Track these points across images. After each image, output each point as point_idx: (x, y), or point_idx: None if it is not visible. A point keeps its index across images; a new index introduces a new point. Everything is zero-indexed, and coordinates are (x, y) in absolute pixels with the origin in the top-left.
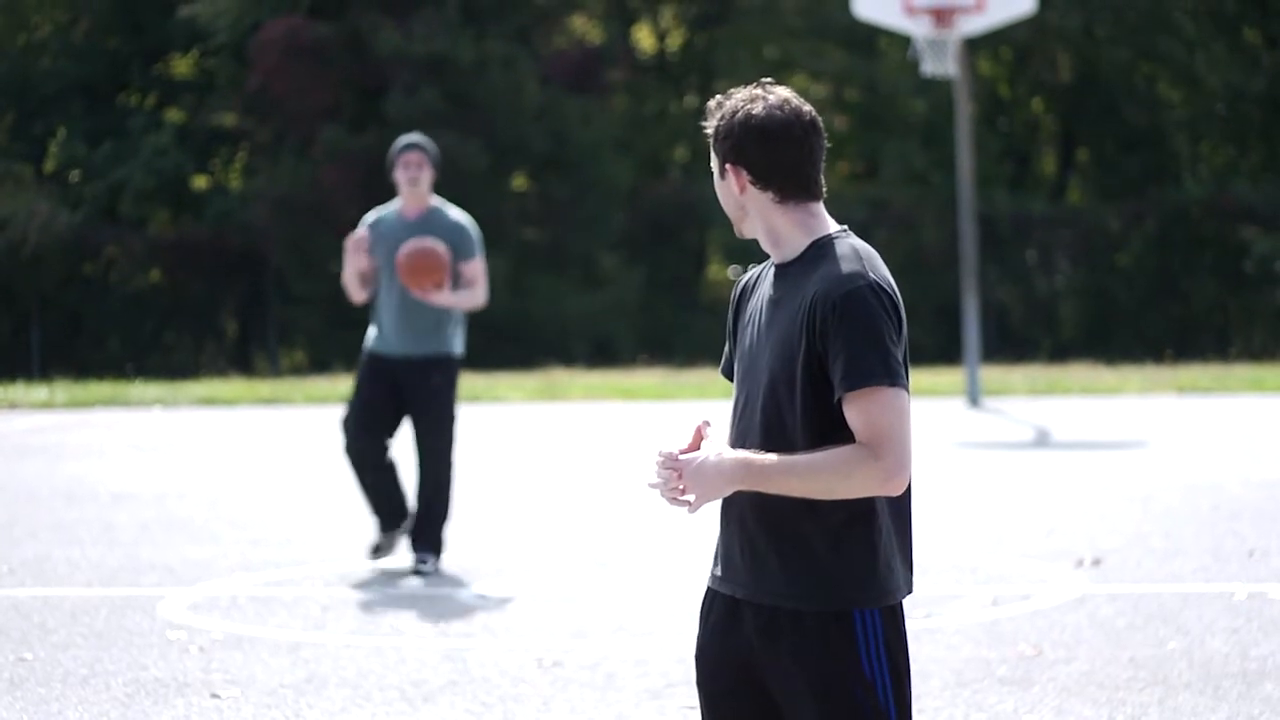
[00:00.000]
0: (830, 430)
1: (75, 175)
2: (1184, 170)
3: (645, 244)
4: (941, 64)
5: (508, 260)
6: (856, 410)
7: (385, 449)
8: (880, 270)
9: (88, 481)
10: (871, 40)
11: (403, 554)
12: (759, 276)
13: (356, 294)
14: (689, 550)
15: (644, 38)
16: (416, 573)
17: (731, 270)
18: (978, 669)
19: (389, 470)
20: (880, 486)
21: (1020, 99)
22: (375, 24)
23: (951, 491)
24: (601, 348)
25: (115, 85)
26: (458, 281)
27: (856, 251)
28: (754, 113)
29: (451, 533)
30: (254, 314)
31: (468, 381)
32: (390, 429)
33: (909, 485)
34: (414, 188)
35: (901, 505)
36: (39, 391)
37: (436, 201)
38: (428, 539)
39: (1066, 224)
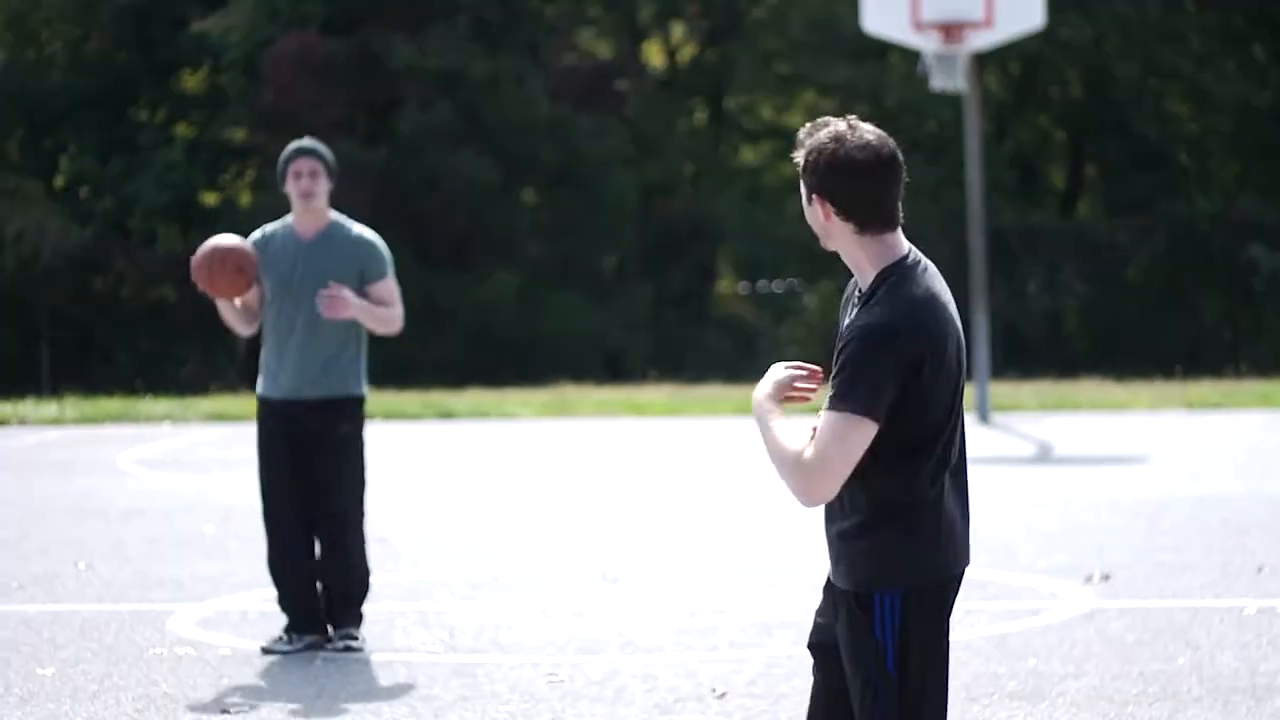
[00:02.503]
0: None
1: (85, 191)
2: (1193, 186)
3: (655, 259)
4: (951, 79)
5: (517, 275)
6: (819, 423)
7: (310, 531)
8: (913, 314)
9: (98, 497)
10: (881, 55)
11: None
12: (855, 290)
13: (240, 326)
14: (697, 565)
15: (654, 53)
16: (347, 649)
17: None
18: (987, 684)
19: (309, 560)
20: (793, 493)
21: (1029, 114)
22: (387, 40)
23: None
24: (611, 363)
25: (126, 101)
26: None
27: (899, 298)
28: (839, 153)
29: (462, 547)
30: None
31: (477, 396)
32: (305, 497)
33: (942, 482)
34: (308, 202)
35: (936, 499)
36: (49, 407)
37: (336, 217)
38: (353, 616)
39: (1075, 239)
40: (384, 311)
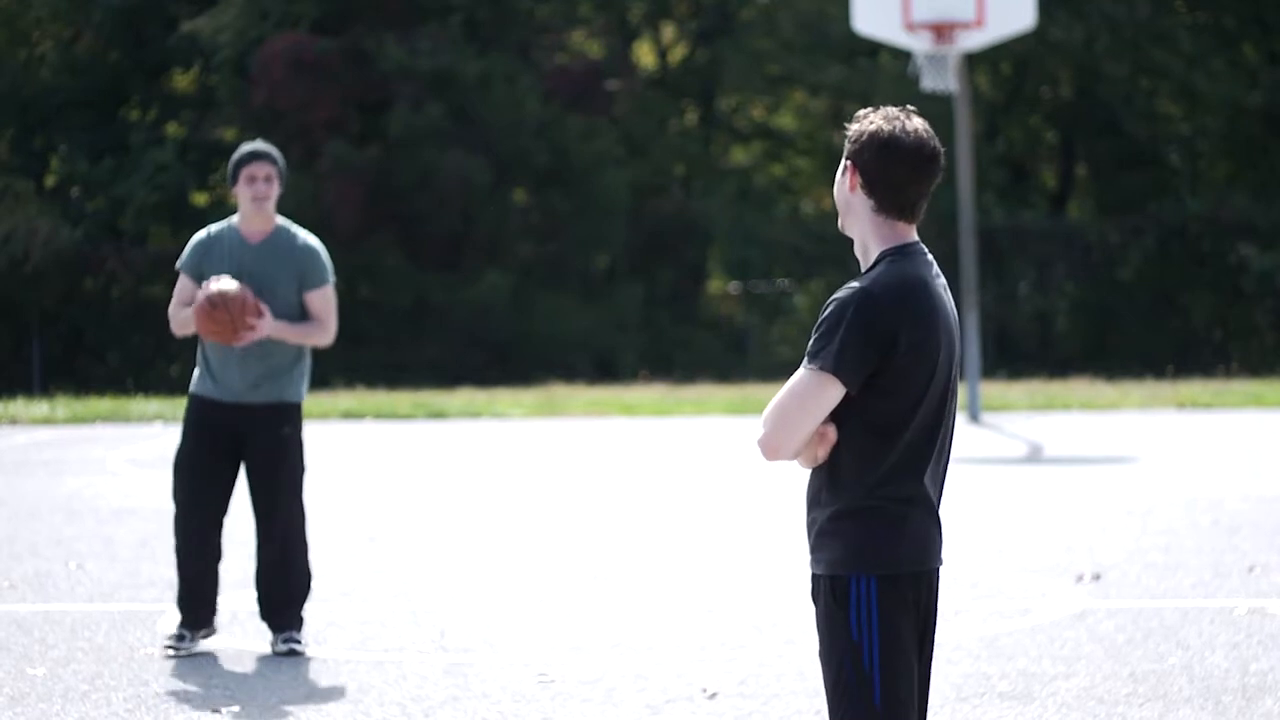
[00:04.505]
0: (846, 413)
1: (76, 191)
2: (1184, 186)
3: (645, 259)
4: (941, 79)
5: (508, 275)
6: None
7: (220, 527)
8: (897, 289)
9: (88, 497)
10: (872, 55)
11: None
12: None
13: (185, 327)
14: (688, 565)
15: (645, 54)
16: (290, 652)
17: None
18: (977, 684)
19: (216, 559)
20: (758, 444)
21: (1020, 114)
22: (379, 40)
23: (952, 507)
24: (602, 363)
25: (117, 101)
26: (305, 313)
27: (890, 273)
28: (884, 130)
29: (453, 547)
30: None
31: (468, 396)
32: (227, 496)
33: (921, 478)
34: (261, 206)
35: (913, 494)
36: (40, 407)
37: (282, 221)
38: (292, 618)
39: (1066, 239)
40: (304, 329)
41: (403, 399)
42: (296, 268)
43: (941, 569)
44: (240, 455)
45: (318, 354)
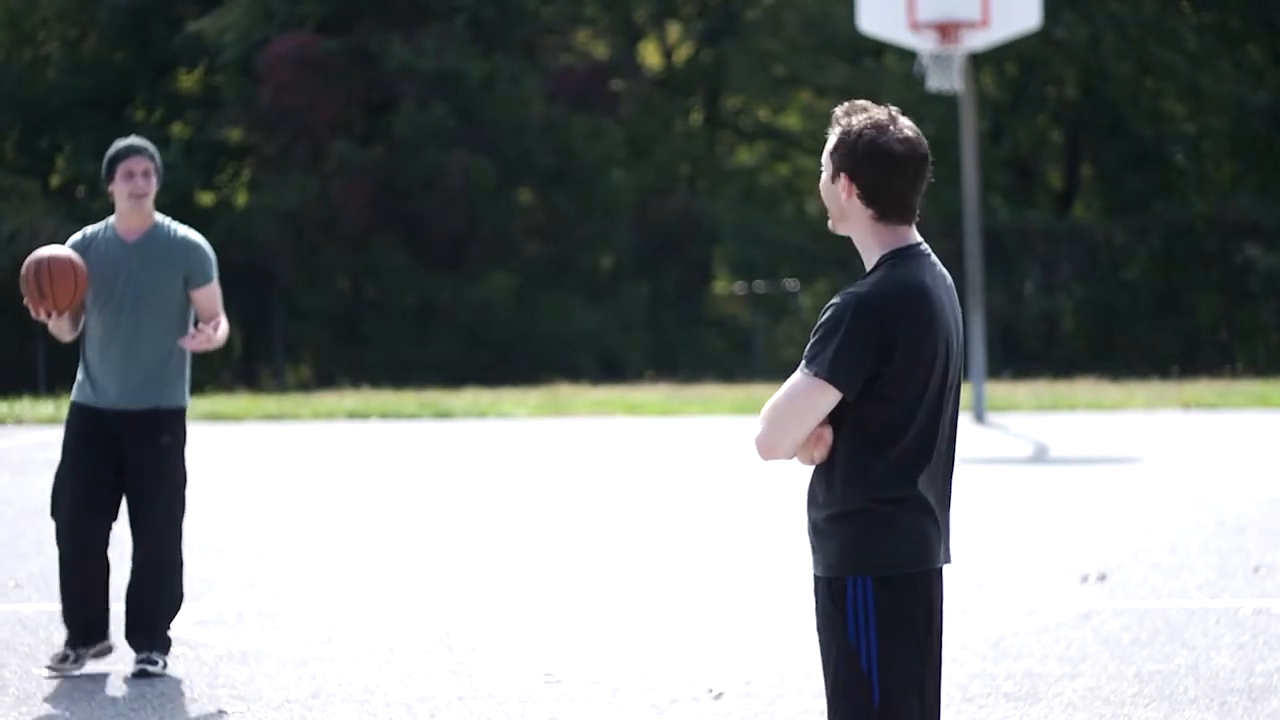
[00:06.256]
0: (842, 416)
1: (81, 190)
2: (1189, 186)
3: (651, 259)
4: (947, 79)
5: (513, 275)
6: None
7: (107, 538)
8: (896, 295)
9: None
10: (877, 56)
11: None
12: None
13: (65, 333)
14: (694, 565)
15: (650, 54)
16: (142, 674)
17: None
18: (983, 684)
19: (104, 570)
20: (754, 442)
21: (1026, 114)
22: (384, 39)
23: (957, 507)
24: (607, 363)
25: (122, 100)
26: (193, 312)
27: (889, 278)
28: (879, 141)
29: (458, 546)
30: (260, 329)
31: (473, 396)
32: (114, 507)
33: (921, 479)
34: (139, 203)
35: (911, 495)
36: (45, 406)
37: (160, 218)
38: (157, 636)
39: (1071, 239)
40: (222, 329)
41: (408, 399)
42: (181, 265)
43: (946, 568)
44: (121, 467)
45: (325, 353)
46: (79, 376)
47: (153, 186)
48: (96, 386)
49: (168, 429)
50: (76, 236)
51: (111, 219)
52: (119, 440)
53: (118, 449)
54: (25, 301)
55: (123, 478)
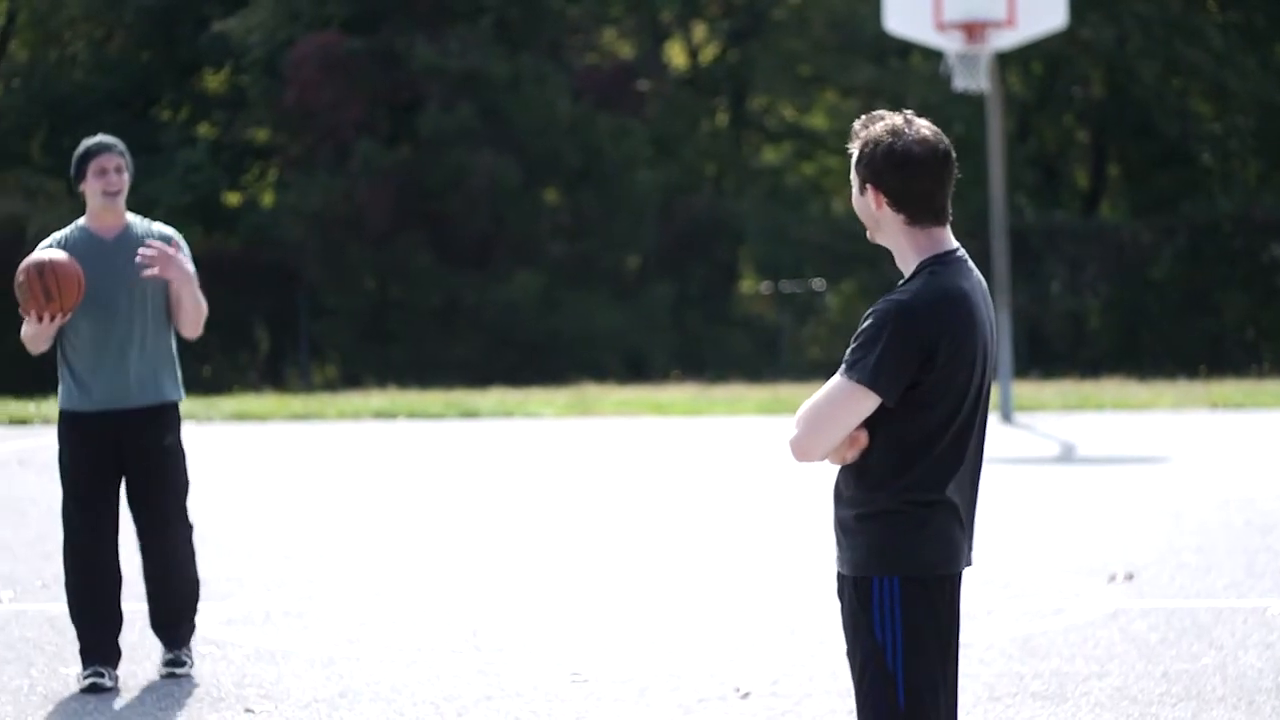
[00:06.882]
0: (879, 419)
1: None
2: (1215, 185)
3: (676, 259)
4: (973, 79)
5: (539, 275)
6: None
7: (117, 550)
8: (937, 302)
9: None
10: (903, 55)
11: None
12: None
13: (42, 344)
14: (721, 565)
15: (676, 53)
16: (170, 674)
17: None
18: (1010, 684)
19: (120, 586)
20: (789, 444)
21: (1052, 114)
22: (409, 40)
23: (984, 507)
24: (633, 363)
25: (148, 101)
26: (169, 308)
27: (929, 286)
28: (897, 146)
29: (485, 546)
30: (286, 329)
31: (500, 396)
32: (118, 516)
33: (951, 481)
34: (113, 200)
35: (941, 497)
36: None
37: (131, 216)
38: (184, 634)
39: (1098, 238)
40: (199, 297)
41: (435, 398)
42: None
43: (966, 572)
44: (121, 466)
45: (351, 353)
46: (65, 383)
47: (125, 183)
48: (88, 390)
49: (169, 424)
50: (47, 242)
51: (81, 220)
52: (118, 443)
53: (117, 453)
54: (26, 305)
55: (123, 479)
